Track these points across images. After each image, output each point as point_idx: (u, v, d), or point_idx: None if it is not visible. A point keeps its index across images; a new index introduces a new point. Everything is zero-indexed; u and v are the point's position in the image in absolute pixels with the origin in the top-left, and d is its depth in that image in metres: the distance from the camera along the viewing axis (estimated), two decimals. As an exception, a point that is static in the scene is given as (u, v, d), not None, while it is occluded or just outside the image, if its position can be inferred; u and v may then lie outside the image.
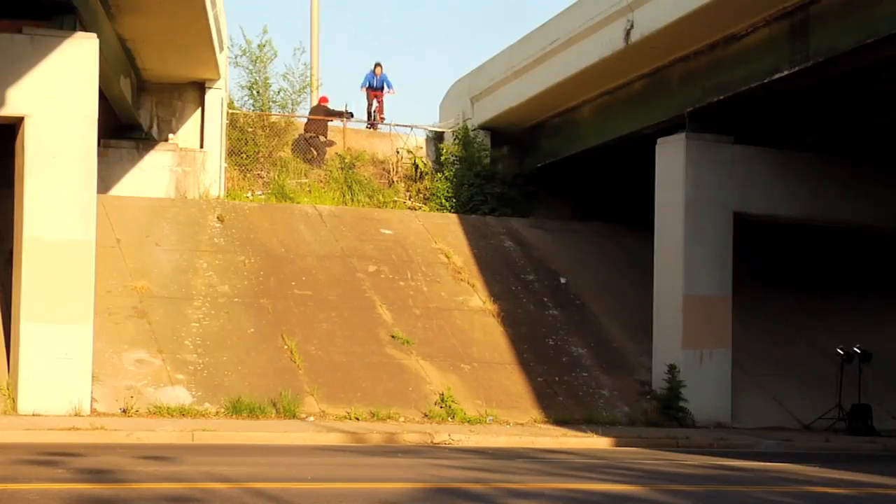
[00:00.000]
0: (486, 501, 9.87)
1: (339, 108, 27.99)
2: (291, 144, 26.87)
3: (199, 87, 24.75)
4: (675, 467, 14.15)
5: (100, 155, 18.41)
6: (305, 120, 27.65)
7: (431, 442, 16.66)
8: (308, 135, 27.06)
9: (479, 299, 22.57)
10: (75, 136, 17.30)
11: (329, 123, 27.40)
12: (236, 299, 20.70)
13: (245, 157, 26.12)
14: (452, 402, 19.16)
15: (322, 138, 27.09)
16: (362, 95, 29.89)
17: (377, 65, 29.57)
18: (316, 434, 16.51)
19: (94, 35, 17.58)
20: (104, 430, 15.26)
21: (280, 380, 18.83)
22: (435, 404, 19.15)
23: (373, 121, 29.19)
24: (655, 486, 11.65)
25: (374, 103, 29.62)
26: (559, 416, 19.53)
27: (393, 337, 20.72)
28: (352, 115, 27.98)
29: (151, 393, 17.96)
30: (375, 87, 29.59)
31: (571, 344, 21.97)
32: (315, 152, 26.88)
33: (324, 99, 28.08)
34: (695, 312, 21.00)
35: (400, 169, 27.70)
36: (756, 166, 21.65)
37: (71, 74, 17.31)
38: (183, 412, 17.52)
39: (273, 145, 26.65)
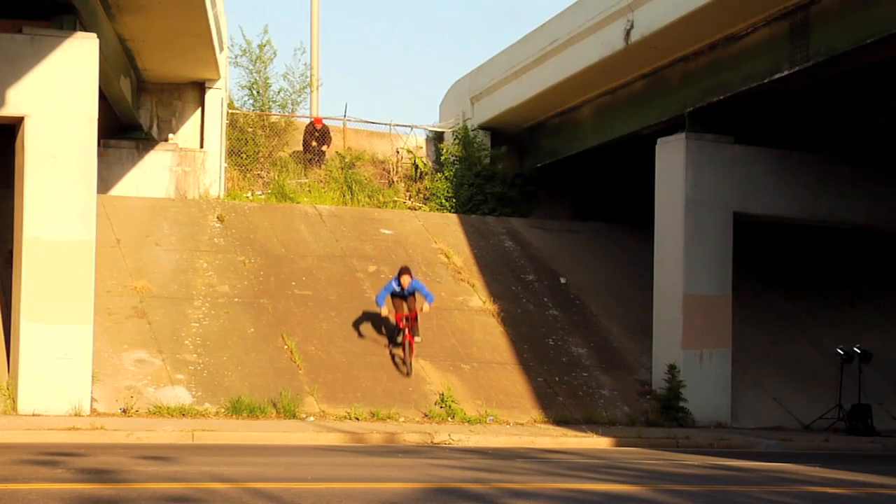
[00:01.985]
0: (487, 501, 9.87)
1: (338, 114, 27.45)
2: (290, 154, 26.74)
3: (199, 87, 24.76)
4: (675, 467, 14.14)
5: (100, 155, 18.43)
6: (305, 121, 27.57)
7: (431, 442, 16.66)
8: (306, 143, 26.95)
9: (479, 299, 22.57)
10: (75, 136, 17.30)
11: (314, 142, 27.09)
12: (236, 299, 20.70)
13: (245, 157, 26.11)
14: (452, 402, 19.16)
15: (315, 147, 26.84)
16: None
17: (403, 272, 20.35)
18: (316, 434, 16.50)
19: (94, 35, 17.58)
20: (104, 430, 15.27)
21: (280, 380, 18.83)
22: (435, 404, 19.16)
23: (405, 361, 19.96)
24: (655, 486, 11.64)
25: (404, 332, 20.10)
26: (559, 416, 19.53)
27: (393, 337, 20.71)
28: (331, 142, 27.09)
29: (151, 393, 17.96)
30: (404, 296, 20.33)
31: (571, 344, 21.96)
32: (312, 156, 26.80)
33: (318, 120, 27.34)
34: (695, 312, 21.01)
35: (400, 169, 27.69)
36: (756, 166, 21.65)
37: (71, 74, 17.31)
38: (183, 412, 17.52)
39: (273, 145, 26.64)
